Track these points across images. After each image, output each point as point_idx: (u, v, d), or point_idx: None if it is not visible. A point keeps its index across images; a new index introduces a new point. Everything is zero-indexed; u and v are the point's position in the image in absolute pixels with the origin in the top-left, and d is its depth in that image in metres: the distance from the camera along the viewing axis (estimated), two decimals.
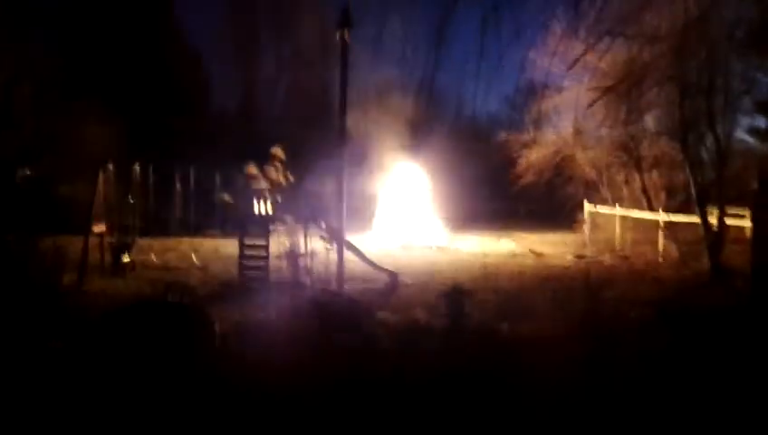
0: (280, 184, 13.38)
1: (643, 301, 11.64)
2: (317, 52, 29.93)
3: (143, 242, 15.78)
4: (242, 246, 13.01)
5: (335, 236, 12.42)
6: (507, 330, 8.68)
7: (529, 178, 23.81)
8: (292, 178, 13.36)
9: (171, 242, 19.79)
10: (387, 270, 13.82)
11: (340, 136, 12.65)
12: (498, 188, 29.38)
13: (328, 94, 27.03)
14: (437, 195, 24.11)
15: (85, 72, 25.46)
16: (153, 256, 14.84)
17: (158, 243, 18.40)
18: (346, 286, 12.42)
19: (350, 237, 20.84)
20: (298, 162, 14.29)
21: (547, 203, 28.14)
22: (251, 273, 12.75)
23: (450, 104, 36.03)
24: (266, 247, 12.82)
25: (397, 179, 23.97)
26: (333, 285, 11.92)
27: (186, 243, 19.84)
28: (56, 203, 17.22)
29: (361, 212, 23.65)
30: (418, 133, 25.53)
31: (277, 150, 13.54)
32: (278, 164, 13.45)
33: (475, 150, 30.78)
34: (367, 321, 8.47)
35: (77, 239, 12.98)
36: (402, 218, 22.68)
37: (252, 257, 12.90)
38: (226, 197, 14.62)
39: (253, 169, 13.34)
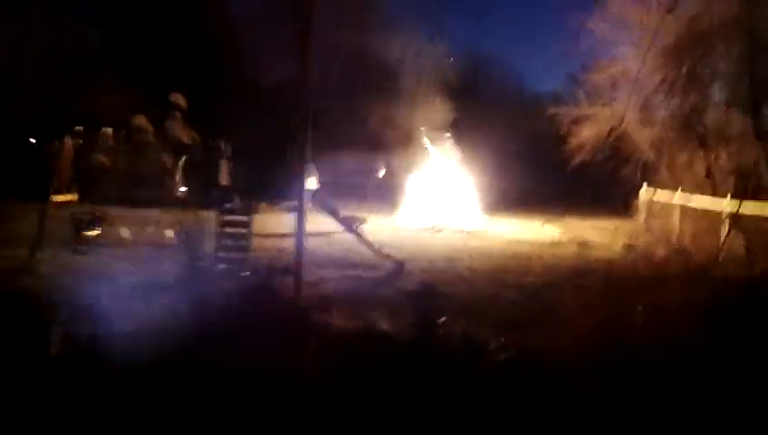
0: (182, 143, 11.05)
1: (691, 308, 9.43)
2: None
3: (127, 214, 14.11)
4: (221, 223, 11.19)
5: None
6: (496, 347, 6.62)
7: (581, 157, 21.36)
8: (197, 137, 11.04)
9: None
10: (391, 257, 11.85)
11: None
12: (548, 168, 26.99)
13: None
14: (478, 174, 21.84)
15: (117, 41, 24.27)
16: (126, 231, 13.17)
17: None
18: (329, 274, 10.58)
19: (375, 219, 19.13)
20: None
21: (603, 186, 25.62)
22: (223, 255, 10.92)
23: (495, 75, 33.92)
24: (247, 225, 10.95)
25: (433, 156, 21.80)
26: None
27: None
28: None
29: (389, 191, 21.75)
30: (459, 106, 23.29)
31: (177, 97, 11.21)
32: (178, 116, 11.09)
33: (522, 126, 28.50)
34: (293, 330, 6.50)
35: None
36: (435, 199, 20.53)
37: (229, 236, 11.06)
38: (101, 157, 12.42)
39: (141, 119, 11.07)
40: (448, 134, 22.36)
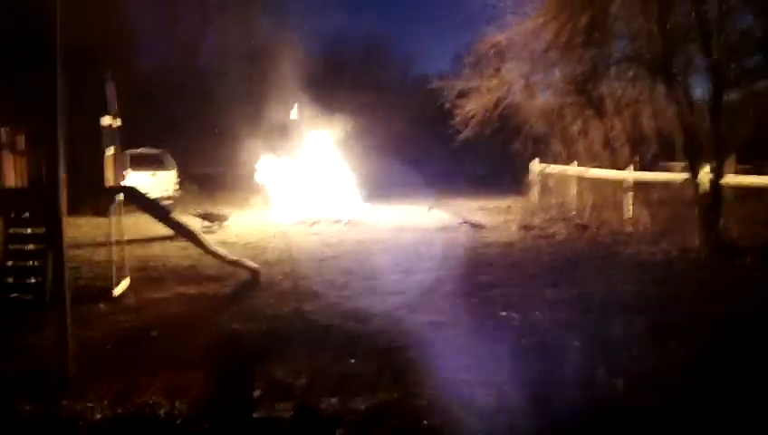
0: None
1: (621, 300, 7.57)
2: None
3: None
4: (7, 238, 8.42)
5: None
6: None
7: (468, 132, 19.50)
8: None
9: None
10: (243, 265, 9.42)
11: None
12: (434, 148, 25.18)
13: None
14: (358, 159, 19.57)
15: None
16: None
17: None
18: (158, 295, 8.11)
19: (243, 214, 16.60)
20: None
21: (493, 163, 24.01)
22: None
23: (378, 57, 31.89)
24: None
25: (303, 144, 19.37)
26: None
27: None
28: None
29: (254, 182, 19.27)
30: (328, 89, 20.99)
31: None
32: None
33: (407, 106, 26.56)
34: None
35: None
36: (311, 189, 18.12)
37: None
38: None
39: None
40: (323, 119, 20.02)
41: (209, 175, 21.51)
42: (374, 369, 5.58)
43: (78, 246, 12.08)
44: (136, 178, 20.28)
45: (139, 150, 20.94)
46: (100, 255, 9.85)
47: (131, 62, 23.25)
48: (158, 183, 20.31)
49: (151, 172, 20.64)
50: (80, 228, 14.37)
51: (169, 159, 21.27)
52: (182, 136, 22.68)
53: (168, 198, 19.67)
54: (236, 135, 20.55)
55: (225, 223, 15.57)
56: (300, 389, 5.08)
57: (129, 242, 13.24)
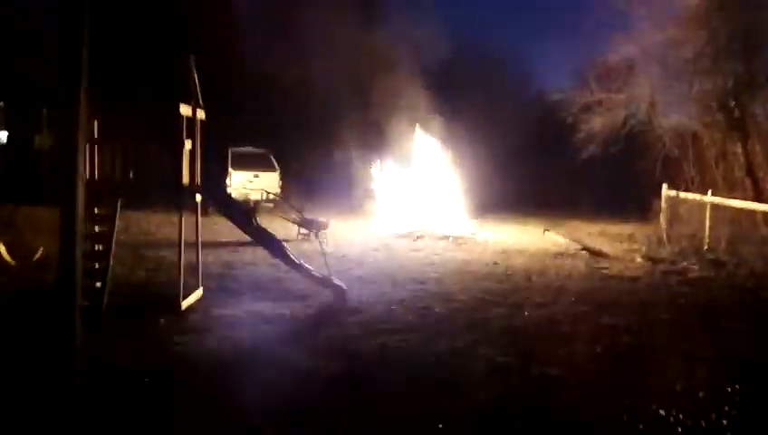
0: None
1: None
2: None
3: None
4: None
5: None
6: None
7: (590, 150, 18.14)
8: None
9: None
10: (330, 283, 8.51)
11: None
12: (551, 165, 23.73)
13: None
14: (469, 173, 18.48)
15: None
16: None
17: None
18: (229, 313, 7.30)
19: (344, 223, 15.85)
20: None
21: (615, 186, 22.32)
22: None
23: (494, 68, 30.65)
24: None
25: (418, 152, 18.46)
26: None
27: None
28: None
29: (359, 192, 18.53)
30: (443, 102, 19.98)
31: None
32: None
33: (524, 120, 25.24)
34: None
35: None
36: (417, 200, 17.17)
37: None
38: None
39: None
40: (437, 129, 19.07)
41: (314, 180, 20.87)
42: None
43: (156, 245, 11.61)
44: (238, 178, 19.94)
45: (243, 149, 20.60)
46: (188, 258, 9.14)
47: (235, 54, 23.00)
48: (260, 184, 19.89)
49: (254, 173, 20.23)
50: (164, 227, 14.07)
51: (273, 161, 20.79)
52: (288, 138, 22.21)
53: (269, 200, 19.20)
54: (346, 142, 19.94)
55: (324, 232, 14.81)
56: None
57: (219, 245, 12.76)
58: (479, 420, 4.92)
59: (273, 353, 6.34)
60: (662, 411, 5.05)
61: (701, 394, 5.48)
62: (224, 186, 18.82)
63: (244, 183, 19.91)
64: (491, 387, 5.59)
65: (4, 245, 9.82)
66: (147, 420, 4.75)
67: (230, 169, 19.91)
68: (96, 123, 7.67)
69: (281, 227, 13.32)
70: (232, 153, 20.21)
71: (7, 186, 16.83)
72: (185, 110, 7.89)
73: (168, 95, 7.89)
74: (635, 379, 5.94)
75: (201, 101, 8.19)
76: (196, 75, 7.92)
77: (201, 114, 8.28)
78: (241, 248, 12.27)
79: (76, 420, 3.75)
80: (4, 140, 21.09)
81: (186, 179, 7.95)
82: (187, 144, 7.95)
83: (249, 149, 20.67)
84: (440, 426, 4.71)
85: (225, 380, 5.64)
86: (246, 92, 22.58)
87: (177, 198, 8.08)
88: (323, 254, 9.38)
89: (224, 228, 12.57)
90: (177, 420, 4.74)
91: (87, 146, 7.50)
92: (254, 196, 19.23)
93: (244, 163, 20.27)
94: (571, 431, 4.83)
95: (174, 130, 7.69)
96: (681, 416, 4.96)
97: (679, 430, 4.76)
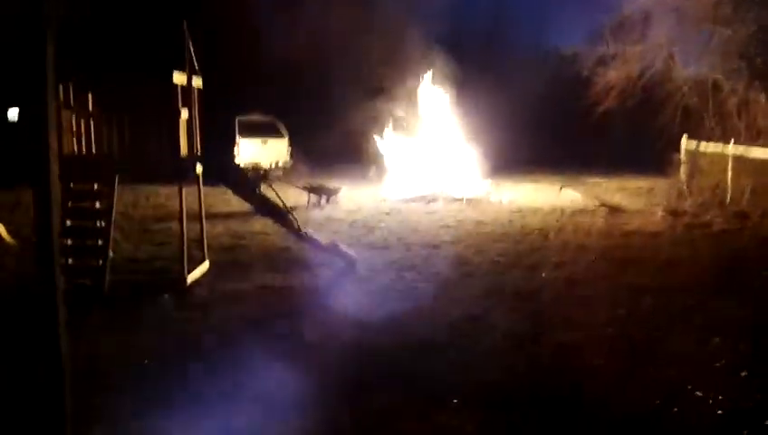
0: None
1: None
2: None
3: None
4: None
5: None
6: None
7: (607, 104, 17.61)
8: None
9: None
10: (339, 250, 8.23)
11: None
12: (567, 121, 23.16)
13: None
14: (481, 133, 18.02)
15: None
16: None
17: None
18: (239, 287, 7.02)
19: (356, 189, 15.56)
20: None
21: (631, 140, 21.81)
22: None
23: (497, 21, 29.98)
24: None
25: (422, 111, 18.01)
26: None
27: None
28: None
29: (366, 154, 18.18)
30: (455, 60, 19.42)
31: None
32: None
33: (532, 76, 24.62)
34: None
35: None
36: (430, 163, 16.78)
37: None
38: None
39: None
40: (449, 89, 18.60)
41: (324, 146, 20.49)
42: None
43: (165, 218, 11.37)
44: (245, 146, 19.62)
45: (249, 117, 20.23)
46: (196, 230, 8.85)
47: (245, 23, 22.53)
48: (268, 152, 19.57)
49: (262, 140, 19.87)
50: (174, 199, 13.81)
51: (282, 127, 20.39)
52: (296, 104, 21.77)
53: (279, 168, 18.91)
54: (355, 105, 19.46)
55: (335, 198, 14.52)
56: None
57: (228, 216, 12.49)
58: (493, 393, 4.64)
59: (276, 327, 6.10)
60: (699, 393, 4.65)
61: (741, 371, 5.09)
62: (227, 155, 18.51)
63: (252, 151, 19.60)
64: (506, 358, 5.31)
65: (3, 226, 9.62)
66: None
67: (238, 138, 19.58)
68: (90, 97, 7.37)
69: (291, 195, 13.03)
70: (239, 121, 19.86)
71: (19, 166, 16.58)
72: (179, 78, 7.55)
73: (164, 64, 7.54)
74: (660, 346, 5.60)
75: (197, 69, 7.85)
76: (190, 42, 7.57)
77: (198, 82, 7.93)
78: (251, 218, 12.01)
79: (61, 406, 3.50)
80: (16, 118, 20.82)
81: (184, 150, 7.65)
82: (184, 113, 7.63)
83: (256, 116, 20.31)
84: (454, 401, 4.44)
85: (223, 358, 5.39)
86: (256, 62, 22.14)
87: (175, 170, 7.78)
88: (333, 220, 9.11)
89: (234, 198, 12.31)
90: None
91: (82, 121, 7.24)
92: (264, 163, 18.92)
93: (252, 131, 19.93)
94: (592, 406, 4.53)
95: (168, 99, 7.36)
96: (718, 396, 4.57)
97: (719, 412, 4.39)
